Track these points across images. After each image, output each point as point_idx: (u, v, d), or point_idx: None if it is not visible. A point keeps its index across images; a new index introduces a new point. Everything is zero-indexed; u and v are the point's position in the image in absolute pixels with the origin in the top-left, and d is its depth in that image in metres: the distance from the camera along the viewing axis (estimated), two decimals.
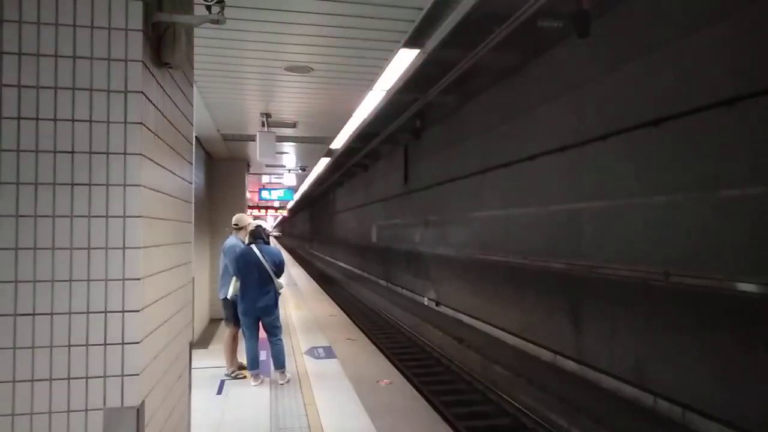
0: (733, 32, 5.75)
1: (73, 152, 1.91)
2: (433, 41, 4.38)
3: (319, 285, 18.37)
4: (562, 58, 8.83)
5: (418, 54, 4.51)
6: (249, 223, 6.38)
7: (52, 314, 1.88)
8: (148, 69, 2.07)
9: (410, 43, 4.25)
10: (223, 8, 2.38)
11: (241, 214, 6.68)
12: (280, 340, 6.06)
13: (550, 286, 9.07)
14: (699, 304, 6.11)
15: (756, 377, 5.43)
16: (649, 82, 6.89)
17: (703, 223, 6.08)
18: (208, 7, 2.37)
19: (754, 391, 5.45)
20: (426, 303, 15.45)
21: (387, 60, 4.60)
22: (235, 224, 6.42)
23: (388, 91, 5.67)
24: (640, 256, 6.93)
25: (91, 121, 1.93)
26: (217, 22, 2.33)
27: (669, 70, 6.58)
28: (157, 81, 2.21)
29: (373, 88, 5.48)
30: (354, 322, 10.79)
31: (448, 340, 11.47)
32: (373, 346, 8.68)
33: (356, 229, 26.02)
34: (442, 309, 14.12)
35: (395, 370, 7.14)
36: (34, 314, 1.86)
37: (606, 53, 7.69)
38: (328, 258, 35.18)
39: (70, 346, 1.89)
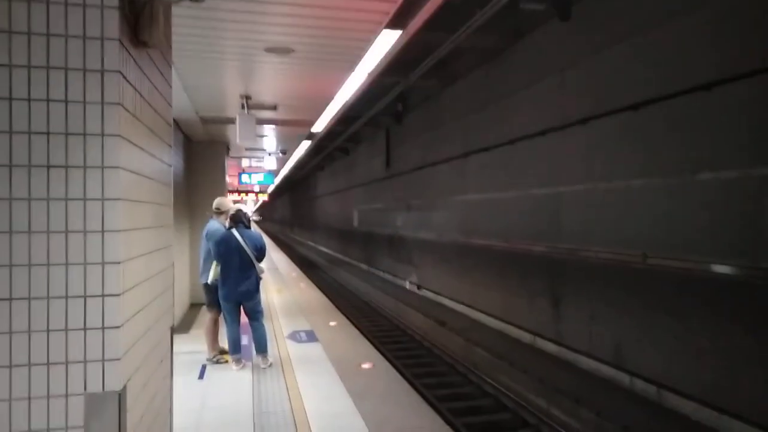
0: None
1: (48, 133, 1.86)
2: (416, 22, 4.35)
3: (301, 269, 18.34)
4: (543, 41, 8.84)
5: (401, 35, 4.47)
6: (230, 208, 6.32)
7: (29, 299, 1.84)
8: (125, 48, 2.01)
9: (393, 24, 4.20)
10: None
11: (222, 198, 6.61)
12: (262, 324, 6.04)
13: (532, 268, 9.18)
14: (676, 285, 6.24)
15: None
16: (629, 66, 6.94)
17: (682, 206, 6.19)
18: None
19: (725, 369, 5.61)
20: (408, 287, 15.54)
21: (369, 41, 4.55)
22: (216, 208, 6.35)
23: (370, 73, 5.62)
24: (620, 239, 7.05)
25: (66, 101, 1.87)
26: (195, 0, 2.27)
27: (648, 55, 6.63)
28: (135, 60, 2.15)
29: (355, 69, 5.42)
30: (336, 307, 10.81)
31: (430, 323, 11.56)
32: (356, 330, 8.71)
33: (338, 214, 25.98)
34: (424, 293, 14.22)
35: (378, 353, 7.18)
36: (10, 299, 1.82)
37: (587, 37, 7.71)
38: (310, 243, 35.12)
39: (48, 331, 1.85)
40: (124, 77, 1.99)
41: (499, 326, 10.05)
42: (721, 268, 5.68)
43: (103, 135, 1.90)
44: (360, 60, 5.09)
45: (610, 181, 7.30)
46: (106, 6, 1.90)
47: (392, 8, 3.84)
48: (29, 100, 1.84)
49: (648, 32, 6.61)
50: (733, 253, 5.55)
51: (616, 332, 7.09)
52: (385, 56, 5.06)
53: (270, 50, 4.78)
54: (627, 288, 6.96)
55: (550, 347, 8.46)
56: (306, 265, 23.16)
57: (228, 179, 12.92)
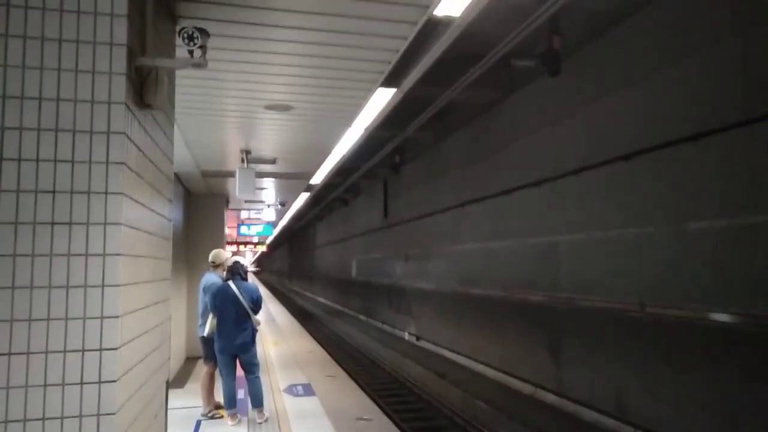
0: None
1: (54, 192, 1.94)
2: (410, 80, 4.53)
3: (298, 321, 18.15)
4: (535, 95, 9.12)
5: (396, 92, 4.65)
6: (226, 259, 6.34)
7: (28, 353, 1.87)
8: (131, 110, 2.12)
9: (387, 83, 4.38)
10: (204, 52, 2.46)
11: (218, 251, 6.60)
12: (258, 377, 5.97)
13: (530, 318, 9.14)
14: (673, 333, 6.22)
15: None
16: (620, 118, 7.15)
17: (674, 254, 6.24)
18: (191, 51, 2.45)
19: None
20: (407, 338, 15.36)
21: (365, 99, 4.72)
22: (212, 261, 6.37)
23: (366, 128, 5.78)
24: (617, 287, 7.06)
25: (73, 162, 1.96)
26: (199, 65, 2.40)
27: (638, 107, 6.85)
28: (139, 122, 2.26)
29: (352, 125, 5.59)
30: (333, 359, 10.67)
31: (429, 375, 11.38)
32: (353, 383, 8.58)
33: (336, 264, 25.92)
34: (423, 344, 14.05)
35: (375, 406, 7.06)
36: (9, 354, 1.85)
37: (577, 91, 7.97)
38: (308, 293, 34.85)
39: (45, 385, 1.87)
40: (129, 138, 2.09)
41: (498, 377, 9.90)
42: (717, 316, 5.69)
43: (107, 193, 1.98)
44: (356, 116, 5.26)
45: (605, 231, 7.38)
46: (114, 72, 2.02)
47: (386, 68, 4.01)
48: (37, 160, 1.93)
49: (635, 85, 6.86)
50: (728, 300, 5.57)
51: (617, 382, 7.00)
52: (381, 111, 5.24)
53: (269, 107, 4.94)
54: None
55: (551, 398, 8.32)
56: (304, 316, 22.94)
57: (227, 230, 13.00)
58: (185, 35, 2.37)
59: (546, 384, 8.51)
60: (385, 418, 6.41)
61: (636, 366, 6.71)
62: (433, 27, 3.81)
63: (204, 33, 2.43)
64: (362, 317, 20.72)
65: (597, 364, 7.43)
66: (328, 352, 11.46)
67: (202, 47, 2.44)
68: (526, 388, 9.07)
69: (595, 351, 7.48)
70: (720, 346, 5.67)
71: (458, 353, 11.80)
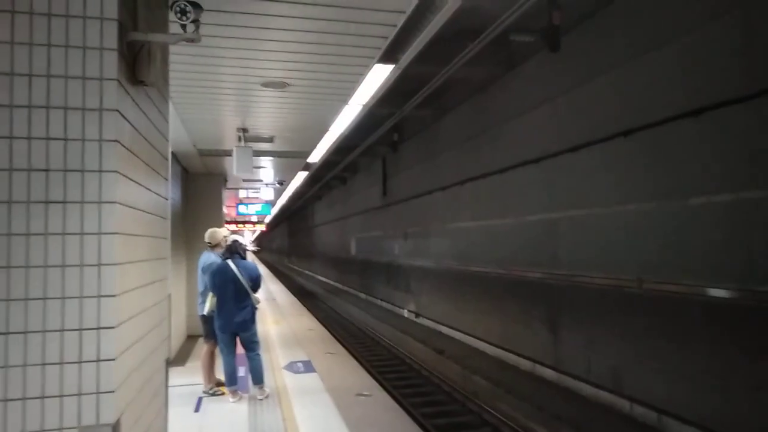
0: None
1: (47, 170, 1.92)
2: (408, 56, 4.47)
3: (298, 299, 18.25)
4: (535, 71, 9.02)
5: (393, 69, 4.59)
6: (224, 237, 6.32)
7: (26, 333, 1.87)
8: (123, 87, 2.08)
9: (385, 59, 4.32)
10: (198, 27, 2.41)
11: (213, 230, 6.54)
12: (258, 355, 6.01)
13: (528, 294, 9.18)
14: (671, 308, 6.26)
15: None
16: (619, 94, 7.09)
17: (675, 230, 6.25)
18: (183, 26, 2.40)
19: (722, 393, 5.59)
20: (406, 315, 15.47)
21: (362, 75, 4.66)
22: (208, 242, 6.35)
23: (364, 105, 5.73)
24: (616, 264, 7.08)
25: (66, 140, 1.94)
26: (192, 40, 2.36)
27: (638, 82, 6.78)
28: (132, 98, 2.22)
29: (350, 102, 5.54)
30: (333, 336, 10.75)
31: (428, 351, 11.48)
32: (353, 360, 8.65)
33: (335, 243, 25.98)
34: (422, 321, 14.15)
35: (375, 382, 7.13)
36: (7, 333, 1.85)
37: (576, 67, 7.89)
38: (307, 272, 34.99)
39: (44, 364, 1.88)
40: (122, 115, 2.06)
41: (497, 353, 9.99)
42: (715, 292, 5.71)
43: (101, 171, 1.96)
44: (354, 93, 5.20)
45: (606, 207, 7.37)
46: (105, 48, 1.98)
47: (383, 44, 3.95)
48: (29, 138, 1.91)
49: (634, 61, 6.78)
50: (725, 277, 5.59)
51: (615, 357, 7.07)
52: (379, 89, 5.18)
53: (266, 85, 4.89)
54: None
55: (549, 373, 8.41)
56: (303, 294, 23.05)
57: (226, 210, 12.98)
58: (177, 9, 2.32)
59: (545, 360, 8.59)
60: (384, 394, 6.48)
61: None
62: (431, 1, 3.75)
63: (197, 7, 2.38)
64: (362, 295, 20.82)
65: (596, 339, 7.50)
66: (328, 330, 11.54)
67: (195, 21, 2.39)
68: (525, 364, 9.15)
69: (594, 325, 7.54)
70: (719, 321, 5.71)
71: (457, 329, 11.89)
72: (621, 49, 7.03)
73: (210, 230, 6.49)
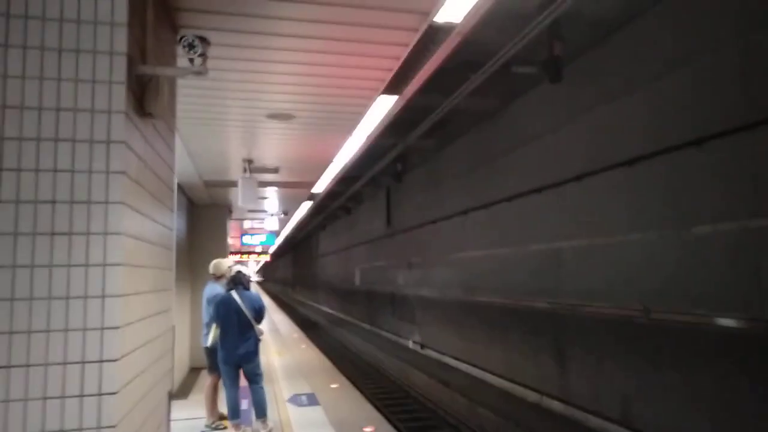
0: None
1: (54, 202, 1.92)
2: (412, 88, 4.52)
3: (302, 330, 18.09)
4: (537, 102, 9.11)
5: (397, 100, 4.64)
6: (228, 268, 6.32)
7: (28, 366, 1.84)
8: (131, 119, 2.11)
9: (389, 90, 4.37)
10: (205, 60, 2.45)
11: (217, 261, 6.54)
12: (262, 387, 5.92)
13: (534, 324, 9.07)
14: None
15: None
16: (622, 124, 7.13)
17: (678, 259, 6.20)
18: (191, 60, 2.44)
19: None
20: (411, 346, 15.28)
21: (367, 106, 4.71)
22: (212, 273, 6.34)
23: (368, 136, 5.78)
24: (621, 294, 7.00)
25: (73, 171, 1.95)
26: (199, 74, 2.39)
27: (640, 112, 6.82)
28: (140, 131, 2.25)
29: (354, 133, 5.58)
30: (338, 368, 10.61)
31: (434, 383, 11.30)
32: (358, 392, 8.52)
33: (339, 273, 25.88)
34: (427, 352, 13.97)
35: (380, 415, 7.00)
36: (9, 366, 1.83)
37: (579, 97, 7.96)
38: (311, 303, 34.76)
39: (44, 398, 1.85)
40: (129, 147, 2.07)
41: (503, 385, 9.82)
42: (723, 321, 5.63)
43: (107, 203, 1.96)
44: (358, 124, 5.25)
45: (609, 236, 7.34)
46: (114, 81, 2.01)
47: (387, 76, 4.00)
48: (37, 170, 1.92)
49: (638, 91, 6.84)
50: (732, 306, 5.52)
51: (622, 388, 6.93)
52: (383, 119, 5.23)
53: (272, 116, 4.94)
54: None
55: (557, 406, 8.25)
56: (307, 325, 22.86)
57: (230, 240, 13.00)
58: (186, 43, 2.37)
59: (552, 391, 8.43)
60: (389, 427, 6.36)
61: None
62: (434, 34, 3.81)
63: (204, 41, 2.42)
64: (366, 326, 20.63)
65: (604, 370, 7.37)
66: (332, 362, 11.40)
67: (203, 55, 2.43)
68: (532, 396, 8.98)
69: (602, 357, 7.42)
70: (727, 352, 5.61)
71: (463, 361, 11.72)
72: (623, 79, 7.11)
73: (214, 261, 6.49)
